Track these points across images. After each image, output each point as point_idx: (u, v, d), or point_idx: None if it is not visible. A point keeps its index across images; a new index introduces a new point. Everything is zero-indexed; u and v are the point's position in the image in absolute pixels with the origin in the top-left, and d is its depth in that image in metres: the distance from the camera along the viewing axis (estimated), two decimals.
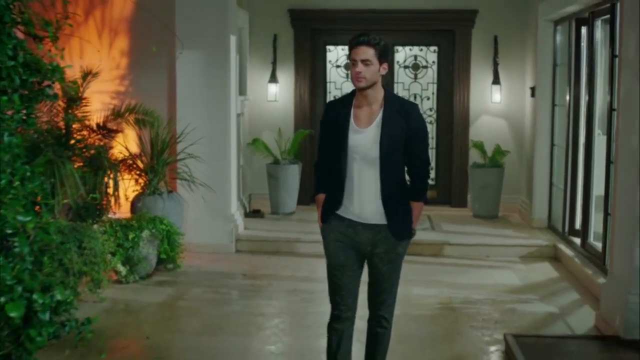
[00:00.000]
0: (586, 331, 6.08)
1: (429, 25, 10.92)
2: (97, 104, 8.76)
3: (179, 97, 8.71)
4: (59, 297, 3.23)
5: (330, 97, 11.04)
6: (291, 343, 5.83)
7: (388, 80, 11.02)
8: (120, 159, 8.20)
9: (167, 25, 8.40)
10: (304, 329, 6.17)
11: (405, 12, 10.70)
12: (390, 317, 4.47)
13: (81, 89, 8.05)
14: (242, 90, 10.07)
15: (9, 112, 3.83)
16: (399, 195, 4.26)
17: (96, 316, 3.71)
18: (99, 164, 7.57)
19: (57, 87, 5.05)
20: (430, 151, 11.05)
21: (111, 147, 8.37)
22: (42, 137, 7.42)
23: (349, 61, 4.17)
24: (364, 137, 4.21)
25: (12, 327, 3.02)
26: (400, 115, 4.19)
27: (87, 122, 8.14)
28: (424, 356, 5.54)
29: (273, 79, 10.81)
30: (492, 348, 5.71)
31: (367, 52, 4.14)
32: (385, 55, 4.21)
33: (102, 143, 8.15)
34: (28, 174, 3.46)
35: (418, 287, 7.18)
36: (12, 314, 2.91)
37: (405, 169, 4.34)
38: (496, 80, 10.63)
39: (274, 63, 10.83)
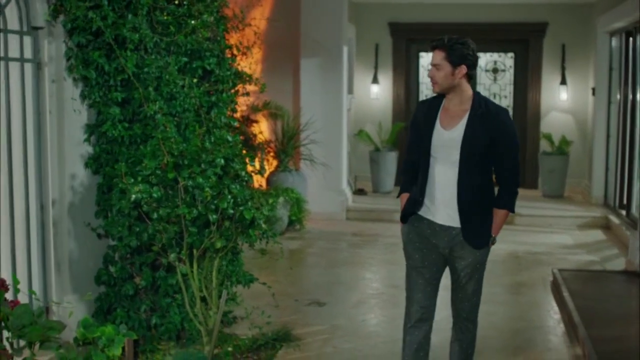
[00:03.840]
0: None
1: (506, 35, 12.98)
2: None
3: (302, 96, 10.97)
4: (266, 213, 5.45)
5: (422, 97, 13.21)
6: (393, 273, 7.93)
7: (471, 82, 13.16)
8: (257, 143, 10.49)
9: (316, 40, 10.54)
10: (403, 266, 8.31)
11: (486, 24, 12.75)
12: (474, 320, 4.44)
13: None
14: (350, 90, 12.27)
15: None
16: (478, 201, 4.16)
17: (278, 232, 5.91)
18: (248, 146, 9.86)
19: None
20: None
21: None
22: None
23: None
24: (447, 139, 4.14)
25: (244, 226, 5.22)
26: (486, 120, 4.09)
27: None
28: (495, 282, 7.57)
29: (375, 80, 13.01)
30: (544, 279, 7.75)
31: (437, 56, 4.11)
32: (462, 58, 4.09)
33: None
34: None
35: None
36: (247, 216, 5.11)
37: (494, 176, 4.28)
38: (563, 82, 12.63)
39: (376, 67, 13.04)
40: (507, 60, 13.24)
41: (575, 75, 12.63)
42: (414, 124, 4.38)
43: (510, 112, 13.08)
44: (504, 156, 4.16)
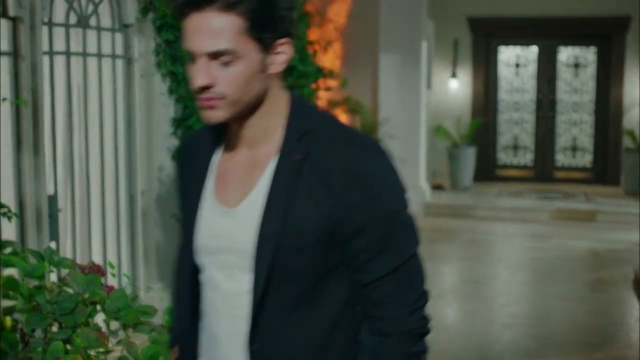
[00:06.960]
0: None
1: (588, 30, 12.80)
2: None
3: (380, 91, 11.04)
4: None
5: (502, 93, 13.16)
6: (471, 269, 7.96)
7: (552, 77, 13.27)
8: None
9: (395, 36, 10.62)
10: (481, 261, 8.35)
11: (568, 19, 12.61)
12: None
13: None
14: (428, 85, 12.28)
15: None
16: None
17: None
18: None
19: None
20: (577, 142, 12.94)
21: None
22: None
23: None
24: (230, 227, 1.79)
25: None
26: (316, 171, 1.71)
27: None
28: (576, 278, 7.56)
29: (453, 75, 12.99)
30: (625, 277, 7.67)
31: (213, 27, 1.66)
32: (280, 20, 1.70)
33: None
34: None
35: (572, 240, 9.14)
36: None
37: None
38: None
39: (454, 63, 13.01)
40: (588, 54, 13.06)
41: None
42: (178, 188, 2.03)
43: (593, 108, 13.06)
44: (373, 253, 1.78)
